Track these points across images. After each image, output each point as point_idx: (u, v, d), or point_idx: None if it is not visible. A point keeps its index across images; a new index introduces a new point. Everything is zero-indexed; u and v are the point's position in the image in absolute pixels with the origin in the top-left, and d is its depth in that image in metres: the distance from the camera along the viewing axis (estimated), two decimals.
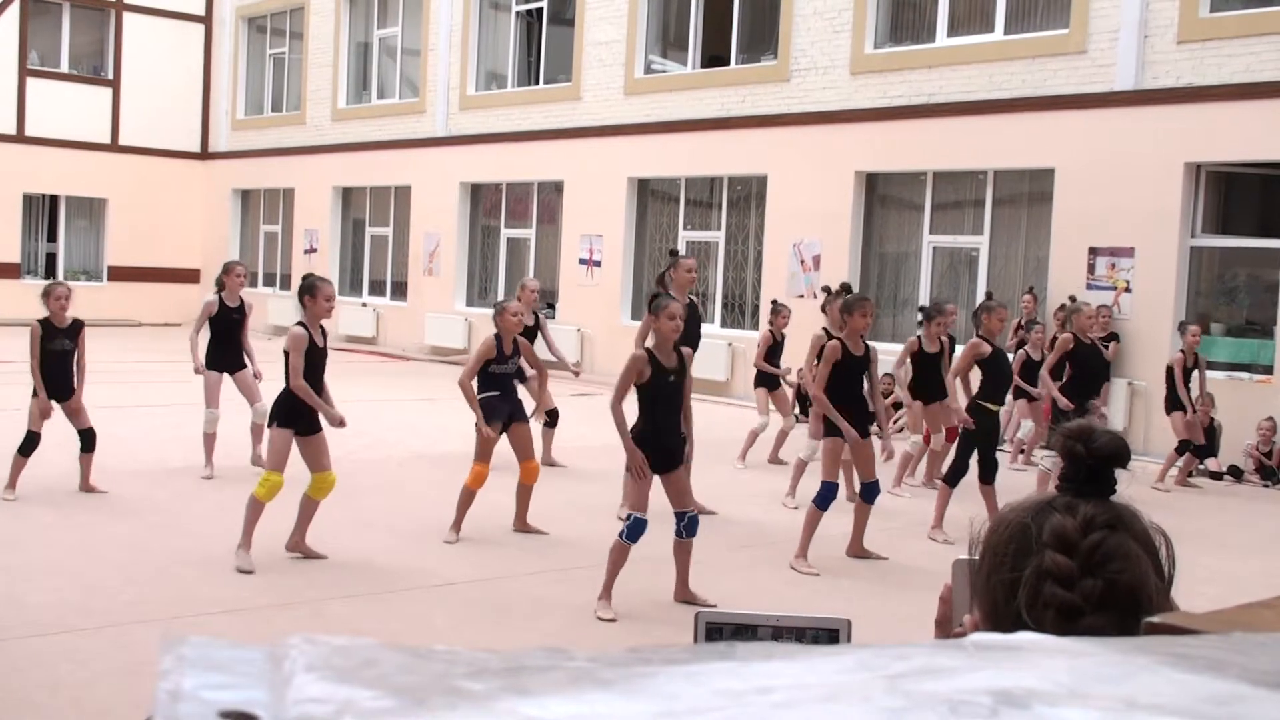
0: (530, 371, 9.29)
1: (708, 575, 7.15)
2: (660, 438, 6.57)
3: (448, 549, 7.74)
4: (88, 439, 8.82)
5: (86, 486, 8.88)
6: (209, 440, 9.80)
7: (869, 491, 7.85)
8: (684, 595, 6.73)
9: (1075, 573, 1.18)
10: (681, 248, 17.80)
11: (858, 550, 7.95)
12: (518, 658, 0.60)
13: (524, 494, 8.25)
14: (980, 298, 14.45)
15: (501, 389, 8.19)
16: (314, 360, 7.18)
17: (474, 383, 8.06)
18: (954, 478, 8.72)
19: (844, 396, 7.83)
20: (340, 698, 0.53)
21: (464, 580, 7.07)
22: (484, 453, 8.00)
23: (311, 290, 7.23)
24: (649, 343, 6.78)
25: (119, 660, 5.39)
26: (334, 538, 7.56)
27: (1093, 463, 1.24)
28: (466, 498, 7.95)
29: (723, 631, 1.61)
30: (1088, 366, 10.15)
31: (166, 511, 8.45)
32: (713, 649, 0.63)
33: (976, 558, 1.29)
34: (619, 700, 0.55)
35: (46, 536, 7.61)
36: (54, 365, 8.69)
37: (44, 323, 8.71)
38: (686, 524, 6.64)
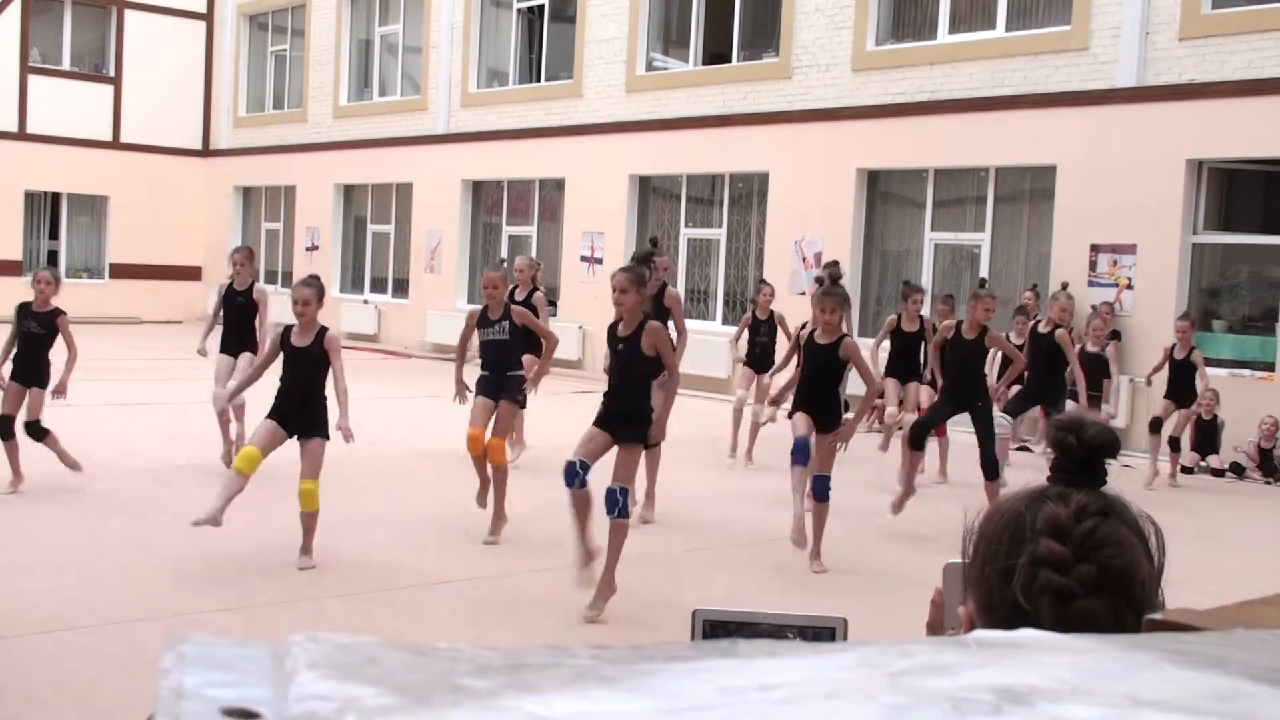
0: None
1: (710, 572, 7.15)
2: (610, 401, 6.64)
3: (450, 547, 7.74)
4: (32, 430, 8.71)
5: (69, 462, 8.85)
6: (221, 419, 9.83)
7: (818, 485, 7.47)
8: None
9: (1070, 559, 1.21)
10: (683, 245, 17.88)
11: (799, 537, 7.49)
12: (520, 655, 0.60)
13: (495, 476, 8.02)
14: None
15: (489, 360, 8.31)
16: (288, 361, 7.27)
17: (470, 347, 8.43)
18: (918, 435, 8.78)
19: (806, 388, 7.68)
20: (343, 695, 0.53)
21: (466, 578, 7.08)
22: (477, 418, 8.17)
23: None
24: None
25: (122, 658, 5.39)
26: (336, 536, 7.55)
27: (1084, 453, 1.27)
28: (476, 466, 8.08)
29: (720, 629, 1.61)
30: (1044, 364, 9.67)
31: (169, 509, 8.44)
32: (715, 646, 0.63)
33: (969, 553, 1.31)
34: (622, 697, 0.55)
35: (50, 534, 7.61)
36: (22, 347, 8.69)
37: (22, 304, 8.75)
38: (605, 496, 6.36)
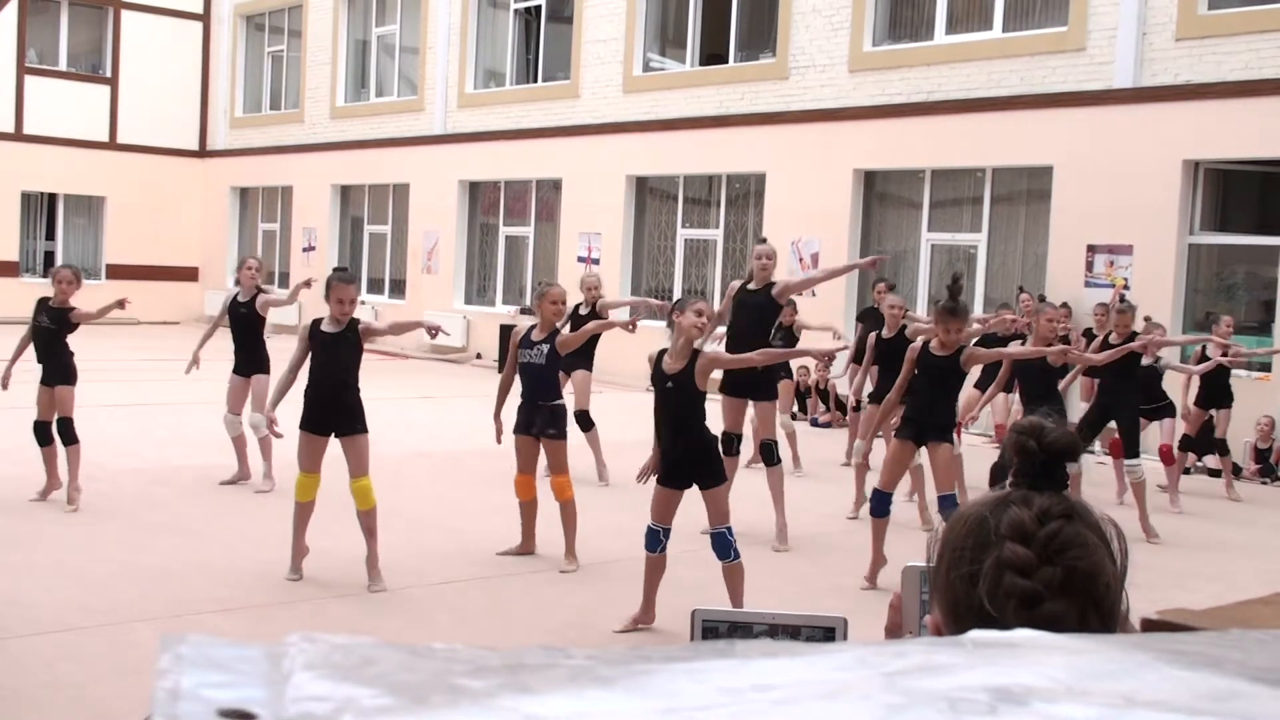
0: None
1: (710, 572, 7.13)
2: (664, 448, 6.19)
3: (448, 547, 7.73)
4: (64, 430, 8.44)
5: (74, 484, 8.32)
6: (237, 444, 9.37)
7: (943, 505, 7.20)
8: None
9: (1034, 562, 1.21)
10: (680, 246, 17.90)
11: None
12: (518, 655, 0.60)
13: (562, 517, 7.37)
14: (980, 295, 14.49)
15: (525, 385, 7.46)
16: (320, 355, 6.86)
17: (514, 376, 7.52)
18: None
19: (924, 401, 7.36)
20: (340, 696, 0.53)
21: (463, 578, 7.07)
22: (519, 461, 7.54)
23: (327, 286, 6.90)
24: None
25: (119, 659, 5.39)
26: (333, 536, 7.54)
27: (1045, 457, 1.28)
28: (521, 510, 7.56)
29: (720, 629, 1.61)
30: (1038, 382, 8.50)
31: (166, 510, 8.44)
32: (712, 647, 0.63)
33: (932, 561, 1.32)
34: (619, 697, 0.55)
35: (47, 535, 7.61)
36: (37, 345, 8.55)
37: (41, 299, 8.62)
38: (713, 543, 6.26)
